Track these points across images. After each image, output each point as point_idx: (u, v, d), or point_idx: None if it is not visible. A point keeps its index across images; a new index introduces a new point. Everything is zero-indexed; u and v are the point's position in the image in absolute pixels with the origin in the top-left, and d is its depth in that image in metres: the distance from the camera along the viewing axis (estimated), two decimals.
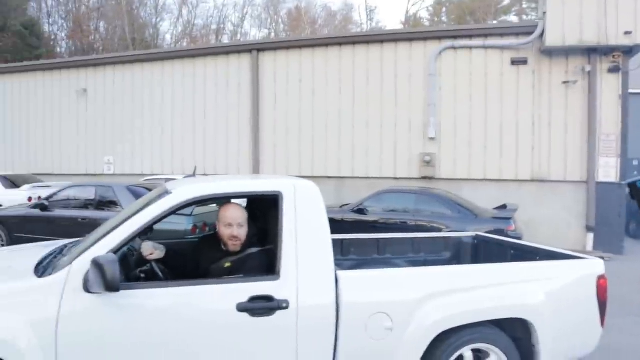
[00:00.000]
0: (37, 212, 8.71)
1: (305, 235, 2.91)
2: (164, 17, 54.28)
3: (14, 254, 3.69)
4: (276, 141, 13.94)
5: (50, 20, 54.47)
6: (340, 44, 13.43)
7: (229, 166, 14.26)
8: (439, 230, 8.18)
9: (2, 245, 8.85)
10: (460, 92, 12.26)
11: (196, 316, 2.69)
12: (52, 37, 53.47)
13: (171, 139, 15.06)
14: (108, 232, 2.82)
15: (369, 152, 13.01)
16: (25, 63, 20.01)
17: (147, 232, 2.97)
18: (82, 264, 2.63)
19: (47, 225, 8.49)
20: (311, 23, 44.68)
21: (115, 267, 2.47)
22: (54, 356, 2.54)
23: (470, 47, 12.17)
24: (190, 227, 7.07)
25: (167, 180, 11.26)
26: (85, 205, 8.53)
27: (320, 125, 13.48)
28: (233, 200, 3.31)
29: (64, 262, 2.76)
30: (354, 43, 13.29)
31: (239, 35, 49.11)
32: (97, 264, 2.48)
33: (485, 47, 12.02)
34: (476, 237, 5.02)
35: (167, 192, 2.98)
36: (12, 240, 8.74)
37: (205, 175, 13.11)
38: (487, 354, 3.21)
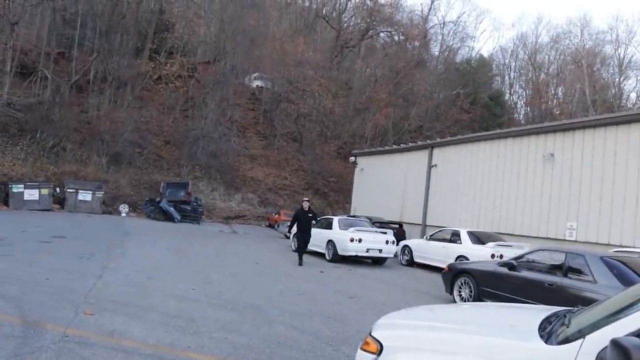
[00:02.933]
0: (504, 270, 9.06)
1: None
2: (629, 75, 50.43)
3: (509, 313, 3.85)
4: None
5: (511, 90, 58.69)
6: None
7: None
8: None
9: (471, 296, 9.59)
10: None
11: None
12: (512, 105, 57.26)
13: None
14: (624, 311, 2.59)
15: None
16: (497, 131, 21.81)
17: None
18: (597, 341, 2.47)
19: (513, 285, 8.70)
20: None
21: None
22: None
23: None
24: None
25: None
26: (553, 270, 8.36)
27: None
28: None
29: (571, 333, 2.67)
30: None
31: None
32: (620, 346, 2.27)
33: None
34: None
35: None
36: (479, 293, 9.36)
37: None
38: None
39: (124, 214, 27.55)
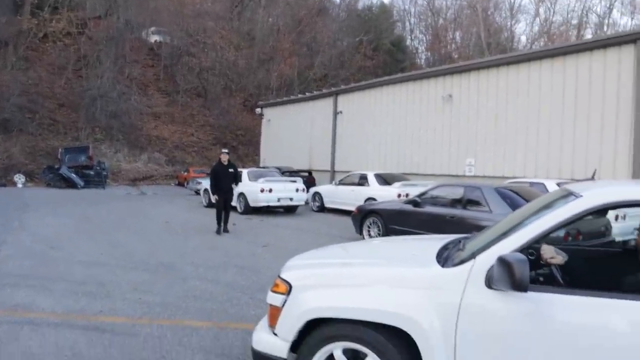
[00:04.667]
0: (409, 207, 9.52)
1: None
2: (519, 19, 53.21)
3: (412, 244, 4.07)
4: None
5: (412, 35, 59.92)
6: None
7: (601, 171, 12.88)
8: None
9: (379, 234, 10.01)
10: None
11: (609, 332, 2.43)
12: (414, 50, 58.68)
13: (536, 141, 14.54)
14: (509, 231, 2.81)
15: None
16: (399, 75, 22.28)
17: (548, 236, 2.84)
18: (486, 260, 2.66)
19: (418, 220, 9.19)
20: None
21: (524, 267, 2.42)
22: (453, 342, 2.63)
23: None
24: (562, 234, 6.59)
25: (532, 183, 10.88)
26: (454, 203, 8.90)
27: None
28: None
29: (465, 256, 2.86)
30: None
31: (605, 27, 44.48)
32: (504, 261, 2.47)
33: None
34: None
35: (573, 195, 2.79)
36: (387, 230, 9.78)
37: (575, 180, 12.20)
38: None
39: (20, 185, 25.77)
